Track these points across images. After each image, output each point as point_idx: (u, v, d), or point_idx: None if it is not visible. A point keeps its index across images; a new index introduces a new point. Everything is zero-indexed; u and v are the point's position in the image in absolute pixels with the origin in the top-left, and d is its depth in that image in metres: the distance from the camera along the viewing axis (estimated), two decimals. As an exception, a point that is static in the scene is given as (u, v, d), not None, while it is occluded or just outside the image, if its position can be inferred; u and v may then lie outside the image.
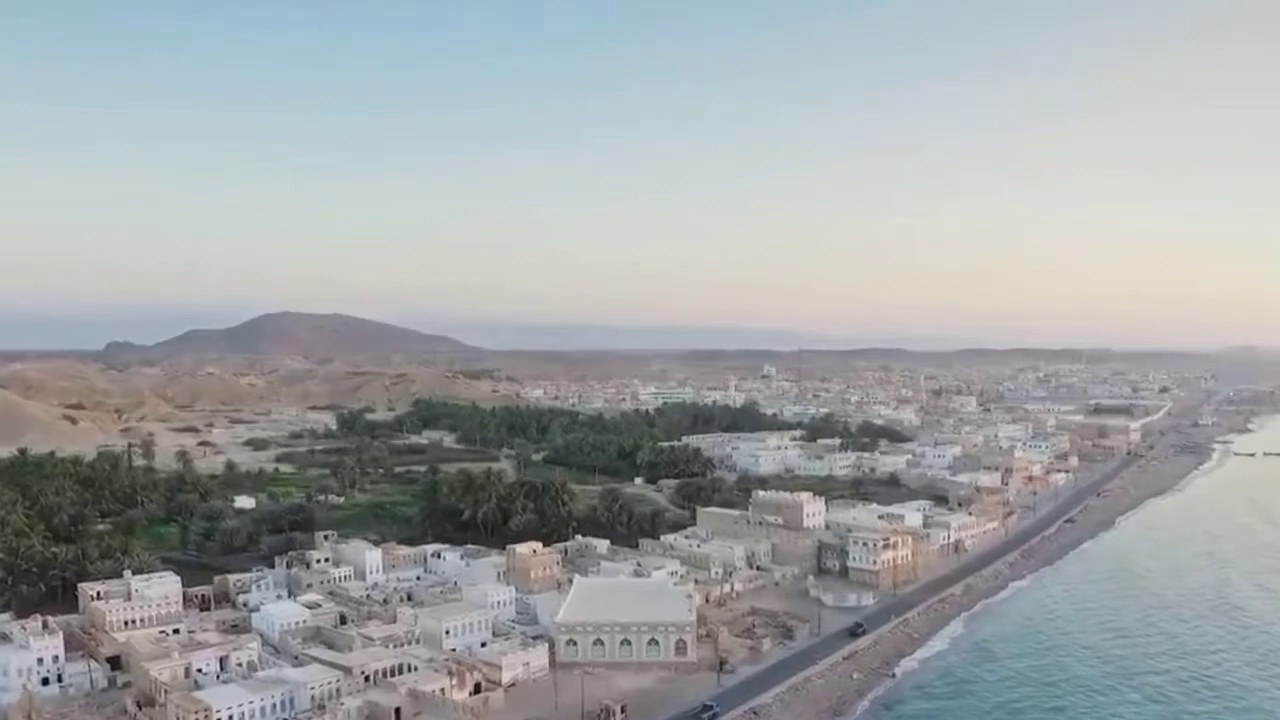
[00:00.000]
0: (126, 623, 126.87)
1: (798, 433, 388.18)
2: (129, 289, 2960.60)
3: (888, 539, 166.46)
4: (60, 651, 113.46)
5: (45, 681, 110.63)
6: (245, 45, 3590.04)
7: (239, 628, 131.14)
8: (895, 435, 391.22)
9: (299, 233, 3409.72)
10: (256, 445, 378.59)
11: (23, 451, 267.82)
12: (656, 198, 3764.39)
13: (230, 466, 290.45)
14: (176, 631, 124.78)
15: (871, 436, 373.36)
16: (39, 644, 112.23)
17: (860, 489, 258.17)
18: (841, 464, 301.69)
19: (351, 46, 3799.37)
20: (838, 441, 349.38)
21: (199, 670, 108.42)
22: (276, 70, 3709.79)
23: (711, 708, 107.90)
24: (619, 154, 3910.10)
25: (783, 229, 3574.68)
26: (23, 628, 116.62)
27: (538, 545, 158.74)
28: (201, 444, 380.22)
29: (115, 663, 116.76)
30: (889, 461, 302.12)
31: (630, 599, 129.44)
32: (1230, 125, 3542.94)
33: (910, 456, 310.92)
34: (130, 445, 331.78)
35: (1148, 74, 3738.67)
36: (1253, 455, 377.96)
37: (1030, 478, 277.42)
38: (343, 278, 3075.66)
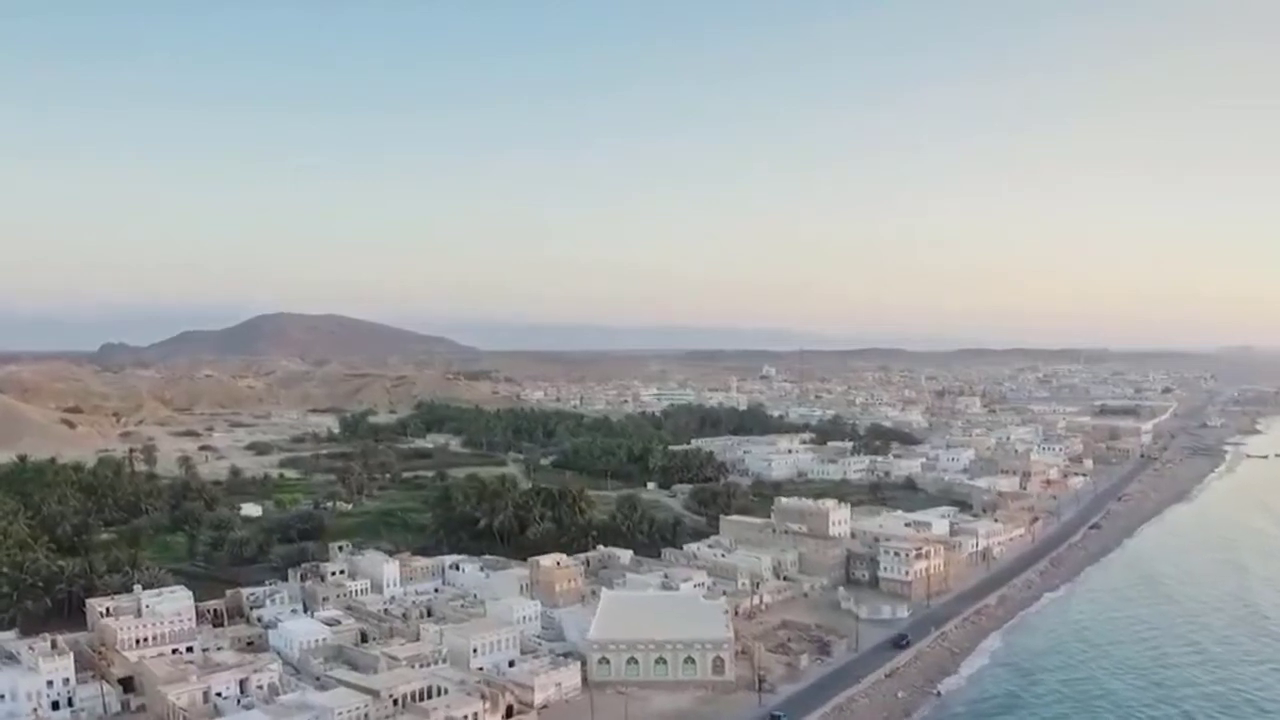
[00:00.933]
0: (138, 640, 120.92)
1: (807, 435, 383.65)
2: (124, 289, 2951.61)
3: (920, 548, 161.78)
4: (70, 673, 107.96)
5: (55, 705, 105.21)
6: (245, 45, 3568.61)
7: (255, 645, 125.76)
8: (904, 437, 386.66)
9: (297, 233, 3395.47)
10: (259, 449, 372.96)
11: (22, 458, 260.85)
12: (656, 198, 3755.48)
13: (235, 472, 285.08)
14: (190, 650, 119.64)
15: (882, 439, 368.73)
16: (48, 666, 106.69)
17: (878, 494, 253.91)
18: (855, 468, 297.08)
19: (351, 46, 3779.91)
20: (849, 445, 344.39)
21: (218, 694, 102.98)
22: (276, 70, 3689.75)
23: (779, 718, 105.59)
24: (619, 154, 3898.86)
25: (783, 229, 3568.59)
26: (31, 648, 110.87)
27: (561, 556, 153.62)
28: (203, 448, 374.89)
29: (128, 684, 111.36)
30: (903, 465, 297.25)
31: (664, 614, 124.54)
32: (1230, 125, 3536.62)
33: (925, 460, 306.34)
34: (131, 451, 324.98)
35: (1148, 74, 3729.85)
36: (1265, 458, 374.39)
37: (1048, 481, 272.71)
38: (341, 278, 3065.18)
